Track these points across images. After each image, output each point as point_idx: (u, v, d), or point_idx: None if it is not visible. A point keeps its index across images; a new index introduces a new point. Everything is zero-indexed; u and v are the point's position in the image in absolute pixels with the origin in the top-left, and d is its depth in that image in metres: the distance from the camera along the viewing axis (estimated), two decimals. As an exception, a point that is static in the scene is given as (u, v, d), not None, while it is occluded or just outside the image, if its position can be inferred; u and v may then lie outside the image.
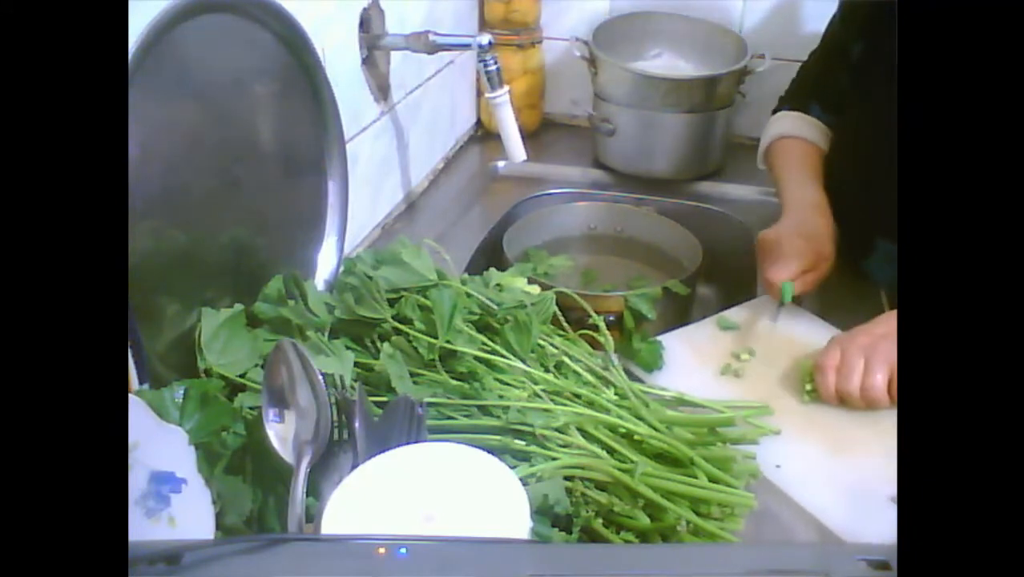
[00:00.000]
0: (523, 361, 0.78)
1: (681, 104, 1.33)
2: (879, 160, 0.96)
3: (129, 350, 0.66)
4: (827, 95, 1.14)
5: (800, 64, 1.20)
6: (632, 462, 0.72)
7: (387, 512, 0.56)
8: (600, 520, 0.69)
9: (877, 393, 0.84)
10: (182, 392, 0.68)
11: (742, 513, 0.71)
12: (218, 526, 0.63)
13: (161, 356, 0.75)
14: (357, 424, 0.65)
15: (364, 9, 1.06)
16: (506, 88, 1.10)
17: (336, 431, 0.67)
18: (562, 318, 0.88)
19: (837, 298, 1.03)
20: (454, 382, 0.76)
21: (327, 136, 0.94)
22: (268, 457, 0.66)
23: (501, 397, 0.74)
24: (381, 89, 1.14)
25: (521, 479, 0.61)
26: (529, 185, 1.41)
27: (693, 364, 0.96)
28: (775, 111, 1.21)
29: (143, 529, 0.58)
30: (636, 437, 0.75)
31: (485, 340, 0.79)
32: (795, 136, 1.15)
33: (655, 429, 0.76)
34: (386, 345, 0.77)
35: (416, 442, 0.66)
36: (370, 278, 0.81)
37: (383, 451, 0.61)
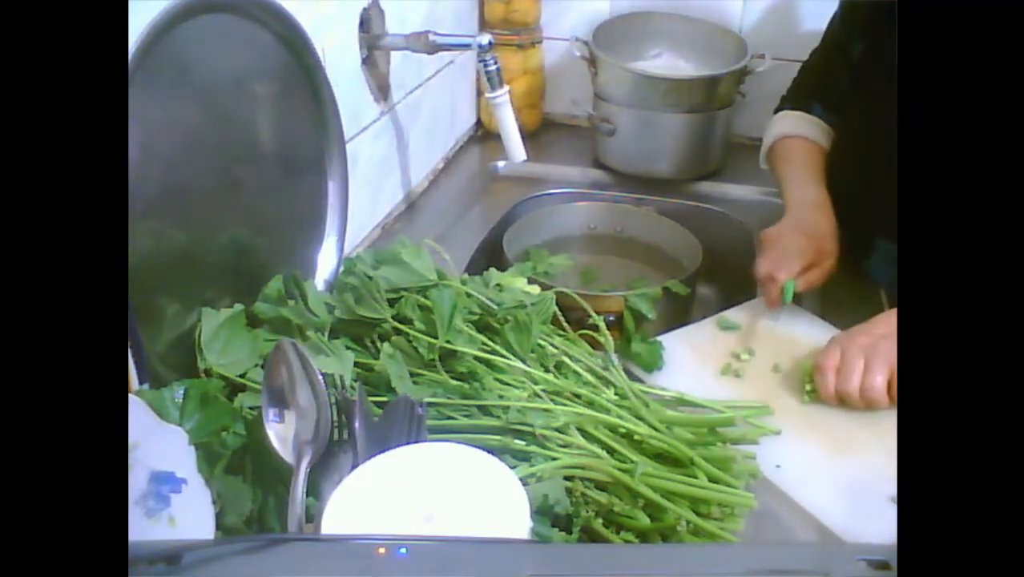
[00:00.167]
0: (523, 361, 0.78)
1: (681, 104, 1.33)
2: (880, 160, 0.95)
3: (129, 350, 0.66)
4: (828, 94, 1.14)
5: (800, 64, 1.20)
6: (632, 462, 0.72)
7: (387, 512, 0.56)
8: (600, 520, 0.69)
9: (876, 394, 0.84)
10: (182, 392, 0.68)
11: (742, 513, 0.71)
12: (218, 526, 0.63)
13: (161, 356, 0.75)
14: (357, 424, 0.65)
15: (364, 9, 1.06)
16: (506, 88, 1.10)
17: (336, 431, 0.67)
18: (562, 318, 0.88)
19: (837, 298, 1.03)
20: (454, 382, 0.76)
21: (327, 136, 0.94)
22: (268, 457, 0.66)
23: (501, 397, 0.74)
24: (381, 89, 1.14)
25: (521, 479, 0.61)
26: (529, 185, 1.41)
27: (693, 364, 0.96)
28: (777, 110, 1.21)
29: (143, 529, 0.58)
30: (636, 437, 0.75)
31: (485, 340, 0.79)
32: (797, 135, 1.15)
33: (655, 429, 0.76)
34: (386, 345, 0.77)
35: (416, 442, 0.66)
36: (370, 278, 0.81)
37: (383, 451, 0.61)
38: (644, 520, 0.69)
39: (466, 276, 0.90)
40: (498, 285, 0.88)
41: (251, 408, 0.71)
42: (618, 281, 1.22)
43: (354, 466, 0.63)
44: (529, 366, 0.78)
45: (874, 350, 0.85)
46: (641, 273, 1.24)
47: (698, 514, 0.70)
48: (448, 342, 0.76)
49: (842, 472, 0.80)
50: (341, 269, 0.92)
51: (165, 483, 0.60)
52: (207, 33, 0.75)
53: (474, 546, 0.50)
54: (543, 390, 0.77)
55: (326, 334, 0.79)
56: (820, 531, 0.75)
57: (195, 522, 0.61)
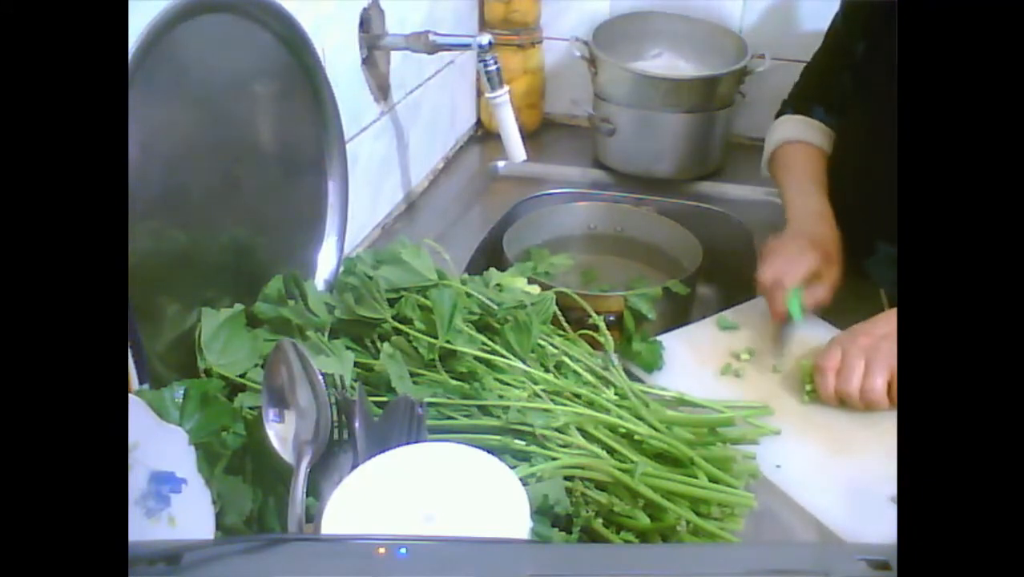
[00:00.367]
0: (523, 361, 0.78)
1: (681, 104, 1.33)
2: (881, 161, 0.95)
3: (129, 350, 0.66)
4: (830, 96, 1.13)
5: (801, 65, 1.19)
6: (632, 462, 0.72)
7: (387, 512, 0.56)
8: (600, 520, 0.69)
9: (876, 396, 0.84)
10: (182, 392, 0.68)
11: (742, 513, 0.71)
12: (218, 526, 0.63)
13: (161, 356, 0.75)
14: (357, 424, 0.65)
15: (364, 9, 1.06)
16: (506, 88, 1.10)
17: (336, 431, 0.67)
18: (562, 318, 0.88)
19: (837, 298, 1.02)
20: (454, 382, 0.76)
21: (327, 136, 0.94)
22: (268, 457, 0.66)
23: (501, 397, 0.74)
24: (381, 89, 1.14)
25: (521, 479, 0.61)
26: (529, 185, 1.41)
27: (693, 364, 0.96)
28: (778, 115, 1.20)
29: (143, 529, 0.58)
30: (636, 437, 0.75)
31: (485, 340, 0.79)
32: (799, 141, 1.14)
33: (655, 429, 0.76)
34: (386, 345, 0.77)
35: (416, 442, 0.66)
36: (370, 278, 0.81)
37: (383, 451, 0.61)
38: (644, 520, 0.69)
39: (466, 276, 0.90)
40: (498, 285, 0.88)
41: (251, 408, 0.71)
42: (618, 281, 1.22)
43: (354, 466, 0.63)
44: (529, 366, 0.78)
45: (875, 351, 0.85)
46: (641, 273, 1.24)
47: (698, 514, 0.70)
48: (448, 342, 0.76)
49: (842, 472, 0.80)
50: (341, 269, 0.92)
51: (165, 483, 0.60)
52: (207, 33, 0.75)
53: (474, 546, 0.50)
54: (543, 390, 0.77)
55: (326, 334, 0.79)
56: (820, 531, 0.75)
57: (195, 522, 0.61)
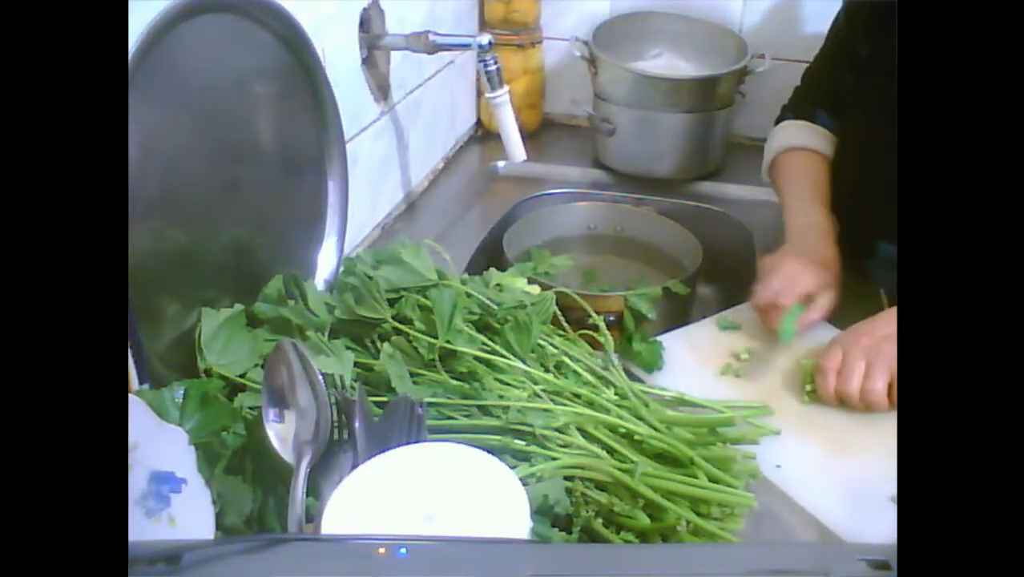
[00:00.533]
0: (523, 361, 0.78)
1: (681, 104, 1.33)
2: (881, 161, 0.95)
3: (129, 350, 0.66)
4: (833, 98, 1.11)
5: (801, 66, 1.19)
6: (632, 462, 0.72)
7: (387, 512, 0.56)
8: (600, 520, 0.69)
9: (876, 397, 0.84)
10: (182, 392, 0.68)
11: (742, 513, 0.71)
12: (218, 526, 0.63)
13: (161, 356, 0.75)
14: (357, 424, 0.65)
15: (364, 9, 1.06)
16: (506, 88, 1.10)
17: (336, 431, 0.67)
18: (562, 318, 0.88)
19: (837, 298, 1.02)
20: (454, 382, 0.76)
21: (327, 136, 0.94)
22: (268, 457, 0.66)
23: (501, 397, 0.74)
24: (381, 89, 1.14)
25: (521, 479, 0.61)
26: (529, 185, 1.41)
27: (693, 364, 0.96)
28: (778, 120, 1.18)
29: (143, 529, 0.58)
30: (636, 437, 0.75)
31: (485, 340, 0.79)
32: (801, 147, 1.13)
33: (655, 429, 0.76)
34: (386, 345, 0.77)
35: (416, 442, 0.66)
36: (370, 278, 0.81)
37: (383, 451, 0.61)
38: (644, 520, 0.69)
39: (466, 276, 0.90)
40: (498, 285, 0.88)
41: (251, 408, 0.71)
42: (618, 281, 1.22)
43: (354, 466, 0.63)
44: (529, 366, 0.78)
45: (876, 352, 0.84)
46: (641, 273, 1.24)
47: (698, 514, 0.70)
48: (448, 342, 0.76)
49: (842, 472, 0.80)
50: (341, 269, 0.92)
51: (165, 483, 0.60)
52: (207, 33, 0.75)
53: (474, 546, 0.50)
54: (543, 390, 0.77)
55: (326, 334, 0.79)
56: (820, 531, 0.75)
57: (195, 522, 0.61)
